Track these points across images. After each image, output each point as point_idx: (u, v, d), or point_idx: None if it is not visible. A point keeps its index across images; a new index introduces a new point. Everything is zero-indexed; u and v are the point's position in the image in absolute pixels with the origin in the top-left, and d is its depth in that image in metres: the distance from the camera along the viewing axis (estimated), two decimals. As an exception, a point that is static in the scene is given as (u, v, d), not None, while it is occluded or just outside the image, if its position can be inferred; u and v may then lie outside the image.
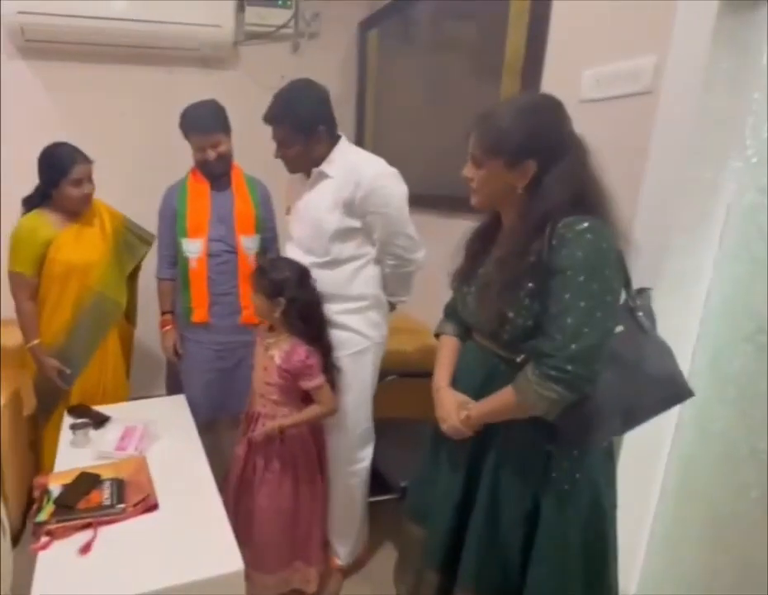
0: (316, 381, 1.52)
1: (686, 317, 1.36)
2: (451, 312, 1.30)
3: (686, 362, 1.36)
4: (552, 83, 1.61)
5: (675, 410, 1.36)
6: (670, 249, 1.27)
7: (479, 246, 1.18)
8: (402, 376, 1.95)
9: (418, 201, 2.21)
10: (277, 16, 2.61)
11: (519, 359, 1.05)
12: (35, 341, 1.85)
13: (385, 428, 1.75)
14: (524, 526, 1.10)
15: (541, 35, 1.66)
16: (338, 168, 1.51)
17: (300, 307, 1.50)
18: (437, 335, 1.34)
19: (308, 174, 1.57)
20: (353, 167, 1.49)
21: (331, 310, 1.58)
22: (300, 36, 2.75)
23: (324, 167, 1.52)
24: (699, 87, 1.19)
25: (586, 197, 1.00)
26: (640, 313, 1.04)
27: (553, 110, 1.03)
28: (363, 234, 1.54)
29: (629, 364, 1.00)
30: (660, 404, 1.06)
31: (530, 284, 1.00)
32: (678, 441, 1.42)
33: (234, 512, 1.63)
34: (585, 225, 0.96)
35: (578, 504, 1.07)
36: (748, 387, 1.24)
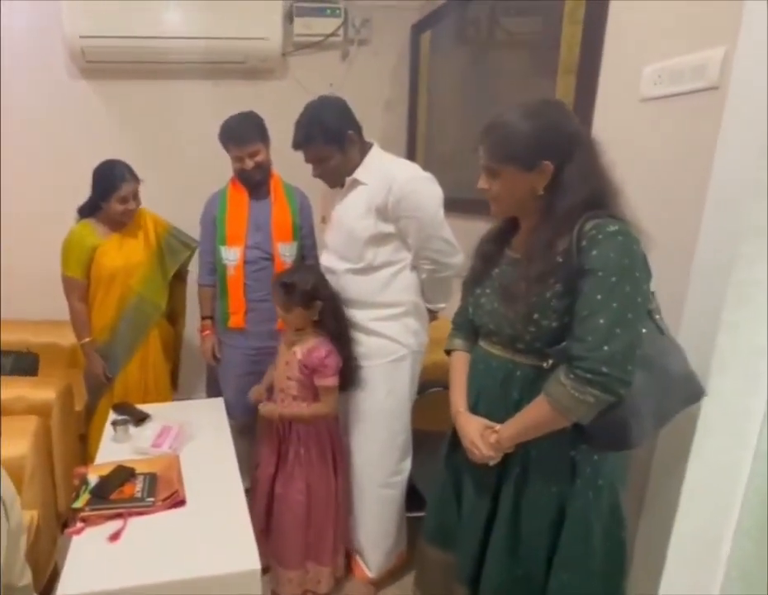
0: (328, 381, 1.61)
1: (763, 332, 1.28)
2: (460, 323, 1.33)
3: (763, 382, 1.29)
4: (610, 81, 1.58)
5: (753, 437, 1.29)
6: (741, 257, 1.21)
7: (493, 248, 1.22)
8: (447, 388, 1.96)
9: (469, 206, 2.24)
10: (325, 25, 2.76)
11: (545, 365, 1.07)
12: (87, 339, 2.08)
13: (428, 442, 1.75)
14: (548, 536, 1.12)
15: (598, 30, 1.63)
16: (372, 174, 1.58)
17: (333, 303, 1.63)
18: (447, 352, 1.36)
19: (341, 183, 1.66)
20: (386, 172, 1.55)
21: (366, 317, 1.65)
22: (349, 44, 2.89)
23: (358, 174, 1.60)
24: None
25: (605, 194, 1.05)
26: (657, 316, 1.08)
27: (557, 109, 1.08)
28: (398, 239, 1.60)
29: (656, 364, 1.03)
30: (682, 403, 1.11)
31: (557, 285, 1.03)
32: (756, 473, 1.33)
33: (266, 508, 1.76)
34: (616, 227, 0.99)
35: (600, 511, 1.09)
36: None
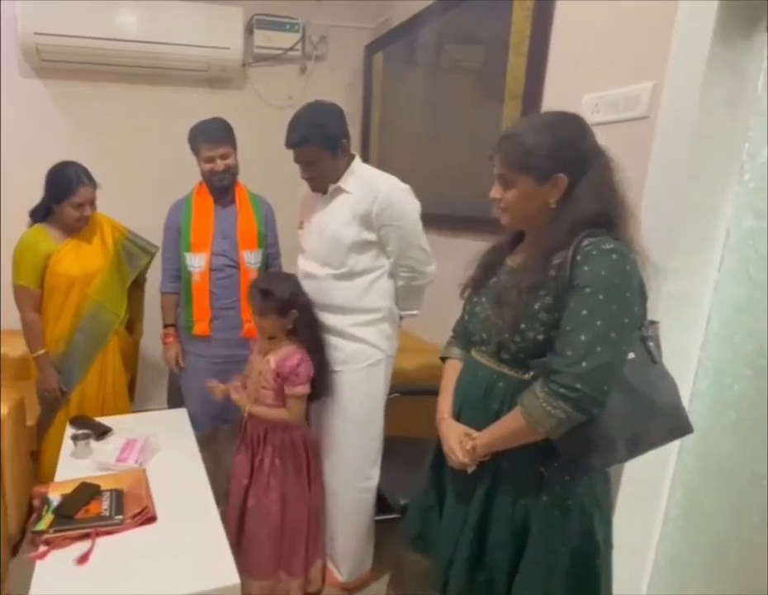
0: (297, 390, 1.55)
1: (686, 340, 1.36)
2: (458, 332, 1.30)
3: (688, 385, 1.37)
4: (552, 107, 1.64)
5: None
6: (669, 271, 1.28)
7: (493, 258, 1.18)
8: (403, 394, 1.96)
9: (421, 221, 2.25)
10: (284, 40, 2.71)
11: (527, 376, 1.04)
12: (41, 351, 1.90)
13: (386, 446, 1.74)
14: (512, 546, 1.09)
15: (540, 61, 1.72)
16: (355, 183, 1.56)
17: (308, 312, 1.58)
18: (443, 359, 1.33)
19: (324, 190, 1.62)
20: (370, 182, 1.54)
21: (346, 322, 1.61)
22: (307, 59, 2.85)
23: (342, 182, 1.58)
24: (694, 112, 1.22)
25: (613, 213, 1.00)
26: (651, 343, 1.03)
27: (575, 123, 1.04)
28: (378, 247, 1.59)
29: (639, 392, 0.98)
30: (664, 436, 1.05)
31: (547, 298, 1.00)
32: (681, 467, 1.42)
33: (239, 518, 1.66)
34: (612, 245, 0.95)
35: (567, 532, 1.05)
36: (748, 411, 1.25)
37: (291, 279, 1.61)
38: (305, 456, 1.66)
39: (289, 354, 1.56)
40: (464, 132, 2.18)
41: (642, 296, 1.00)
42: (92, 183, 1.88)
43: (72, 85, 2.59)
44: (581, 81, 1.54)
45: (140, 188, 2.65)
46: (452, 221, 2.18)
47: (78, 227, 1.91)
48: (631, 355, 0.98)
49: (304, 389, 1.56)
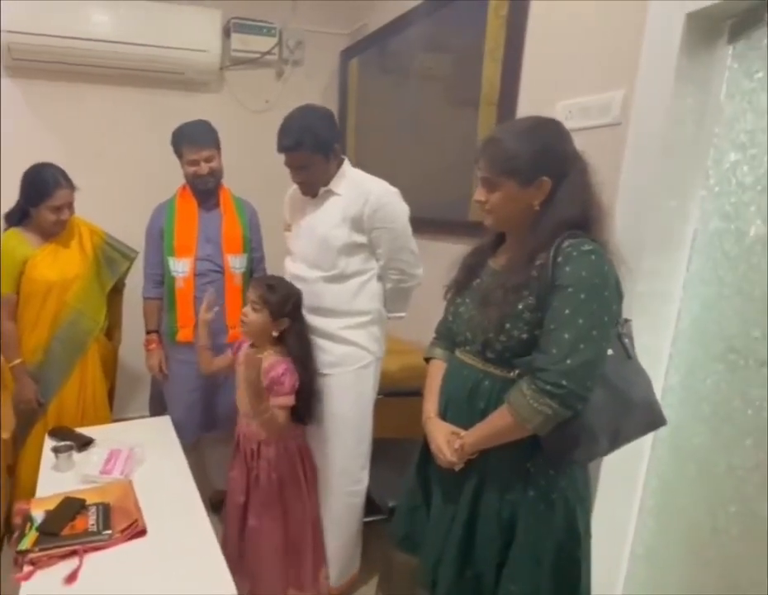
0: (281, 400, 1.48)
1: (658, 337, 1.39)
2: (441, 332, 1.30)
3: (659, 381, 1.39)
4: (527, 113, 1.67)
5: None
6: (641, 272, 1.31)
7: (476, 260, 1.19)
8: (387, 395, 1.95)
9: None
10: (261, 44, 2.66)
11: (512, 375, 1.05)
12: (17, 361, 1.80)
13: (372, 448, 1.71)
14: (499, 541, 1.10)
15: (515, 68, 1.73)
16: (346, 186, 1.54)
17: (299, 329, 1.53)
18: (427, 360, 1.32)
19: (314, 193, 1.59)
20: (360, 185, 1.53)
21: (336, 325, 1.58)
22: (284, 63, 2.80)
23: (333, 185, 1.55)
24: (664, 119, 1.26)
25: (591, 215, 1.02)
26: (626, 340, 1.06)
27: (556, 128, 1.05)
28: (368, 250, 1.57)
29: (618, 386, 1.01)
30: (640, 429, 1.08)
31: (530, 298, 1.01)
32: (655, 459, 1.45)
33: (238, 536, 1.60)
34: (590, 247, 0.98)
35: (552, 525, 1.06)
36: (721, 404, 1.28)
37: (298, 292, 1.56)
38: (301, 466, 1.61)
39: (273, 365, 1.50)
40: (439, 138, 2.18)
41: (619, 294, 1.03)
42: (70, 186, 1.80)
43: (45, 85, 2.46)
44: (555, 88, 1.56)
45: (119, 191, 2.55)
46: (429, 225, 2.18)
47: (56, 231, 1.82)
48: (609, 352, 1.00)
49: (287, 400, 1.49)
